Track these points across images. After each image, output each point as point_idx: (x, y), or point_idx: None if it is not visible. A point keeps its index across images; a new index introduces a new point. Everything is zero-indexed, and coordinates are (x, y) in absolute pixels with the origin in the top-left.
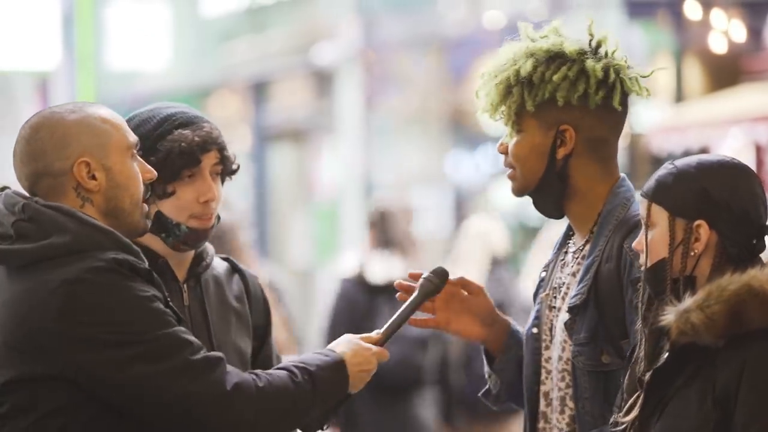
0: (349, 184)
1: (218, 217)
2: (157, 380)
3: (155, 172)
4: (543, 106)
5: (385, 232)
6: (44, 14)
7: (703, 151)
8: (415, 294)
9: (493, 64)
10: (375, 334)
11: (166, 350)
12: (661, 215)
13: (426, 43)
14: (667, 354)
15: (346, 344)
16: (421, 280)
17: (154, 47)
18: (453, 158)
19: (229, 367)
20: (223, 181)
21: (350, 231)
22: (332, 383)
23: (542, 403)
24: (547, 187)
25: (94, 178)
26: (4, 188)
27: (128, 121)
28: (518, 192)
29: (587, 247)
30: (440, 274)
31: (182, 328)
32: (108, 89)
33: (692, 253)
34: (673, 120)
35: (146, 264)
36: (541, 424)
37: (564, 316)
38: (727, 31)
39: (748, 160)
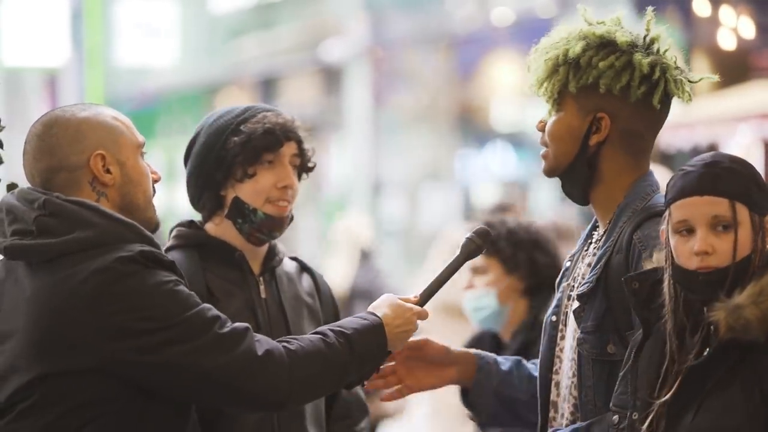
0: (358, 180)
1: (292, 217)
2: (191, 358)
3: (160, 175)
4: (585, 90)
5: None
6: (53, 11)
7: (712, 148)
8: (457, 253)
9: (547, 41)
10: (413, 297)
11: (196, 329)
12: (744, 213)
13: (434, 40)
14: (708, 350)
15: (387, 306)
16: (463, 239)
17: (163, 44)
18: (461, 155)
19: (258, 336)
20: (299, 177)
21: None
22: (370, 346)
23: (554, 392)
24: (576, 171)
25: (109, 172)
26: (13, 185)
27: (207, 118)
28: (549, 172)
29: (603, 238)
30: (482, 234)
31: (207, 305)
32: (116, 86)
33: (765, 248)
34: (682, 117)
35: (167, 256)
36: (551, 414)
37: (575, 304)
38: (735, 28)
39: (757, 157)
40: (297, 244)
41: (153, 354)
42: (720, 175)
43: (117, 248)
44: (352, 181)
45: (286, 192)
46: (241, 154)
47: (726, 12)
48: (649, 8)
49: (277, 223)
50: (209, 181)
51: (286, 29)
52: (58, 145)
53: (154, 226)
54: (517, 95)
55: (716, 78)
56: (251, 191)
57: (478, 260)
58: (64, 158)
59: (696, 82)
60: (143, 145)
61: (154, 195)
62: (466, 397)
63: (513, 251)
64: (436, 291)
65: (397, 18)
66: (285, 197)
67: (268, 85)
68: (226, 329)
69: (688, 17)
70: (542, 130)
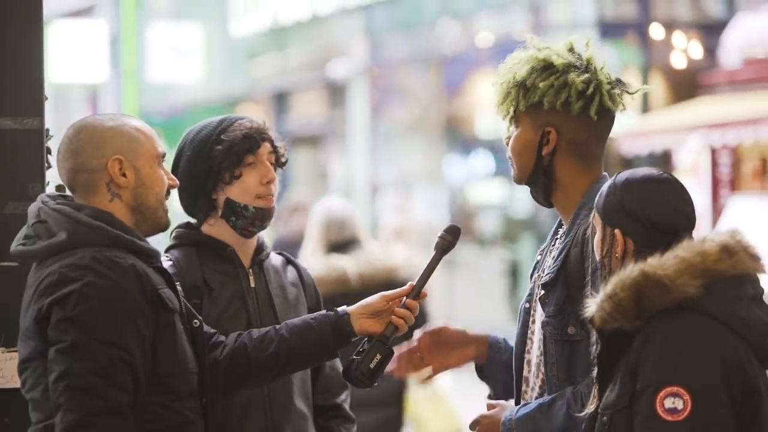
0: (358, 182)
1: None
2: (61, 383)
3: (177, 181)
4: (533, 108)
5: None
6: (94, 35)
7: (666, 154)
8: (434, 253)
9: (502, 68)
10: (408, 285)
11: (84, 377)
12: (598, 221)
13: (425, 60)
14: (598, 341)
15: None
16: (436, 239)
17: (189, 63)
18: (449, 160)
19: None
20: (275, 171)
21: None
22: None
23: (525, 369)
24: (536, 179)
25: (124, 175)
26: (61, 187)
27: (187, 133)
28: (516, 181)
29: (564, 234)
30: (452, 231)
31: (113, 380)
32: (149, 100)
33: (615, 256)
34: (640, 127)
35: (141, 255)
36: (524, 388)
37: (541, 292)
38: (686, 50)
39: (705, 162)
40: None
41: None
42: (603, 189)
43: (80, 253)
44: (354, 183)
45: (270, 187)
46: (226, 159)
47: (678, 36)
48: (587, 33)
49: (267, 215)
50: (201, 189)
51: (296, 50)
52: (82, 149)
53: (164, 226)
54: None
55: (649, 88)
56: (240, 191)
57: None
58: (86, 161)
59: (633, 93)
60: (162, 155)
61: (167, 199)
62: (481, 371)
63: None
64: (423, 286)
65: (392, 41)
66: (270, 192)
67: (280, 100)
68: (95, 416)
69: (646, 40)
70: (508, 145)
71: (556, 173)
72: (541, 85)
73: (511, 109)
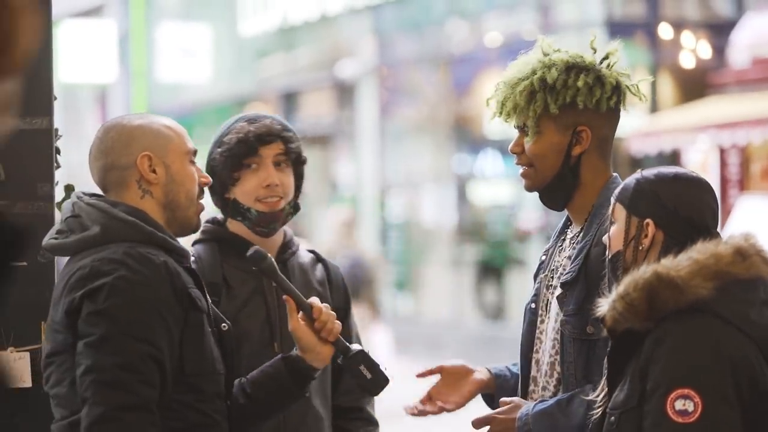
0: (367, 181)
1: (296, 207)
2: (89, 377)
3: (210, 179)
4: (564, 109)
5: None
6: (103, 34)
7: (675, 153)
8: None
9: (511, 75)
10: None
11: (111, 371)
12: (621, 213)
13: (434, 60)
14: (610, 341)
15: None
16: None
17: (198, 63)
18: (457, 159)
19: None
20: (295, 171)
21: (368, 220)
22: None
23: (533, 369)
24: (561, 181)
25: (154, 171)
26: (70, 187)
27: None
28: (532, 188)
29: (581, 234)
30: (254, 259)
31: (141, 376)
32: (158, 99)
33: (641, 247)
34: (649, 126)
35: (172, 254)
36: (531, 387)
37: (557, 291)
38: (695, 50)
39: (714, 162)
40: (316, 235)
41: (79, 352)
42: (623, 182)
43: (112, 247)
44: (362, 182)
45: (272, 189)
46: (222, 163)
47: (687, 36)
48: (593, 30)
49: (270, 218)
50: (212, 187)
51: (305, 50)
52: (112, 148)
53: (194, 226)
54: None
55: (652, 79)
56: (241, 193)
57: None
58: (116, 159)
59: (644, 81)
60: (193, 152)
61: (200, 197)
62: (491, 402)
63: None
64: (301, 301)
65: (401, 40)
66: (272, 194)
67: (289, 100)
68: (125, 411)
69: (654, 40)
70: (520, 152)
71: (581, 174)
72: (578, 84)
73: (537, 115)
